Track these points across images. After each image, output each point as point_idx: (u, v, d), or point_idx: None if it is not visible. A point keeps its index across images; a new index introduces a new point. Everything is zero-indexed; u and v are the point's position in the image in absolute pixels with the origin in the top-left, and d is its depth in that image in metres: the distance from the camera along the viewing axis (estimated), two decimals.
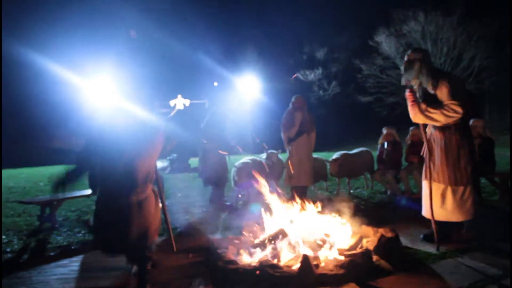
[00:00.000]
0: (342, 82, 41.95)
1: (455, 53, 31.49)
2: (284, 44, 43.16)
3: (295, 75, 37.52)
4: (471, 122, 7.43)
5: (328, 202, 5.52)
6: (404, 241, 4.78)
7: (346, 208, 5.15)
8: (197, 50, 36.50)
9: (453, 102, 4.50)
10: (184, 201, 9.15)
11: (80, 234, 6.19)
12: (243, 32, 44.64)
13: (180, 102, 37.28)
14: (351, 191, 9.26)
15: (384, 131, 8.63)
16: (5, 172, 19.40)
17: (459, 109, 4.48)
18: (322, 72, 42.09)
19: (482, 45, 30.04)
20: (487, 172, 7.36)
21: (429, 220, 4.86)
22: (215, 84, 45.94)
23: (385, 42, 33.61)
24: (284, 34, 43.25)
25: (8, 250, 5.50)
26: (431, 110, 4.64)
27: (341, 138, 35.78)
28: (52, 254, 5.27)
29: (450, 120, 4.60)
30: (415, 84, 4.82)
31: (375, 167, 9.14)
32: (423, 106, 4.69)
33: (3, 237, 6.18)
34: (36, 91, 27.11)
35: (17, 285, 4.04)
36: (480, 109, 8.67)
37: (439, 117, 4.60)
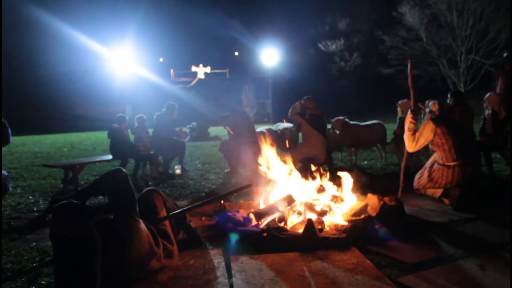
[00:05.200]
0: (364, 54, 41.32)
1: (482, 25, 30.56)
2: (306, 14, 42.62)
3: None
4: (486, 95, 7.45)
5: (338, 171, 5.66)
6: (409, 211, 4.97)
7: (354, 177, 5.30)
8: (218, 20, 36.39)
9: None
10: (202, 168, 9.44)
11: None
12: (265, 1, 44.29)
13: (201, 71, 37.32)
14: (365, 161, 9.43)
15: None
16: (31, 138, 20.07)
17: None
18: (344, 43, 41.46)
19: (510, 17, 29.08)
20: (499, 146, 7.36)
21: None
22: (236, 54, 45.81)
23: (409, 13, 32.79)
24: (306, 3, 42.58)
25: (35, 209, 5.88)
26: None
27: (361, 109, 35.48)
28: None
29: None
30: None
31: (388, 139, 9.26)
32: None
33: (30, 197, 6.59)
34: None
35: (43, 239, 4.38)
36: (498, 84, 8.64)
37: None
